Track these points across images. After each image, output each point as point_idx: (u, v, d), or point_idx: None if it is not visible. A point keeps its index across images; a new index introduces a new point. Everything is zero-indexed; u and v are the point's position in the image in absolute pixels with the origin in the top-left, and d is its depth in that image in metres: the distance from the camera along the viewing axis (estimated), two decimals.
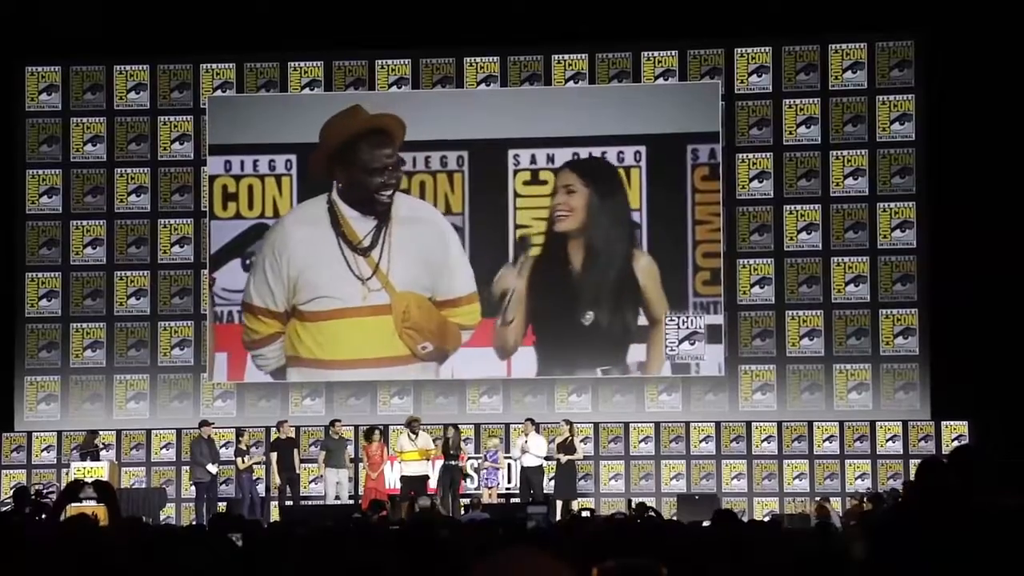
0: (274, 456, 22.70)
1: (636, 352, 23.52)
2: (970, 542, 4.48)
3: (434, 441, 22.67)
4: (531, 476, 22.11)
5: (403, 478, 21.99)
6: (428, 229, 23.82)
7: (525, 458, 22.15)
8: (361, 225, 23.81)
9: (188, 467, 23.14)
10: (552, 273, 23.66)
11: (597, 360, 23.61)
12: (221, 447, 23.25)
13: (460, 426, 22.91)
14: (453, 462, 22.15)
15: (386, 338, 23.58)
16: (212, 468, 22.53)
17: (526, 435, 22.31)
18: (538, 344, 23.62)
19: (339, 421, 22.85)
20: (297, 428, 23.37)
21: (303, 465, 23.13)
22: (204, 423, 22.98)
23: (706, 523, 11.85)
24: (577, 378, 23.77)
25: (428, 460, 22.18)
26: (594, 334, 23.43)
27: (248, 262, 24.04)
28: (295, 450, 22.84)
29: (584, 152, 23.80)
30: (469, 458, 22.95)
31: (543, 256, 23.73)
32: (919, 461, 5.19)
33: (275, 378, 23.92)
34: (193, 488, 22.86)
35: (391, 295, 23.59)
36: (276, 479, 22.66)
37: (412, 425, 22.23)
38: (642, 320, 23.49)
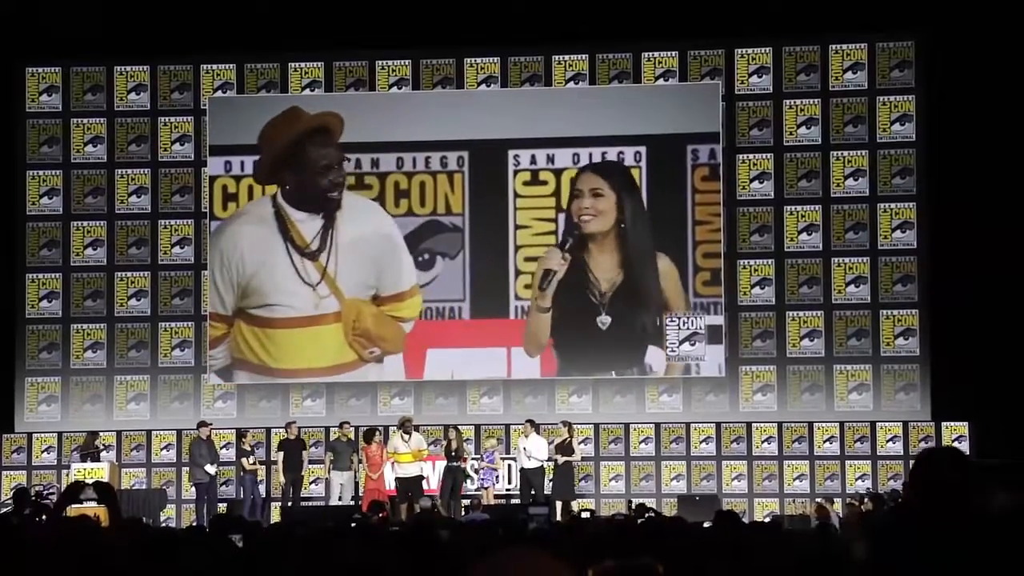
0: (280, 456, 22.68)
1: (653, 354, 23.48)
2: (971, 543, 4.47)
3: (433, 443, 22.64)
4: (532, 477, 22.09)
5: (398, 479, 21.98)
6: (371, 225, 23.81)
7: (526, 460, 22.13)
8: (308, 227, 23.82)
9: (188, 468, 23.10)
10: (569, 276, 23.59)
11: (614, 363, 23.57)
12: (221, 448, 23.23)
13: (460, 427, 22.88)
14: (455, 463, 22.12)
15: (336, 345, 23.60)
16: (211, 469, 22.49)
17: (526, 436, 22.29)
18: (556, 346, 23.59)
19: (347, 423, 22.85)
20: (298, 429, 23.31)
21: (307, 466, 23.07)
22: (202, 424, 22.96)
23: (707, 524, 11.85)
24: (578, 379, 23.74)
25: (422, 461, 22.15)
26: (611, 337, 23.38)
27: None
28: (303, 451, 22.80)
29: (584, 153, 23.78)
30: (471, 459, 22.93)
31: (582, 256, 23.67)
32: (916, 454, 5.18)
33: (222, 378, 23.94)
34: (193, 489, 22.85)
35: (340, 302, 23.61)
36: (280, 478, 22.65)
37: (405, 425, 22.21)
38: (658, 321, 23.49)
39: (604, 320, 23.37)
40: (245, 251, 23.86)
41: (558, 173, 23.84)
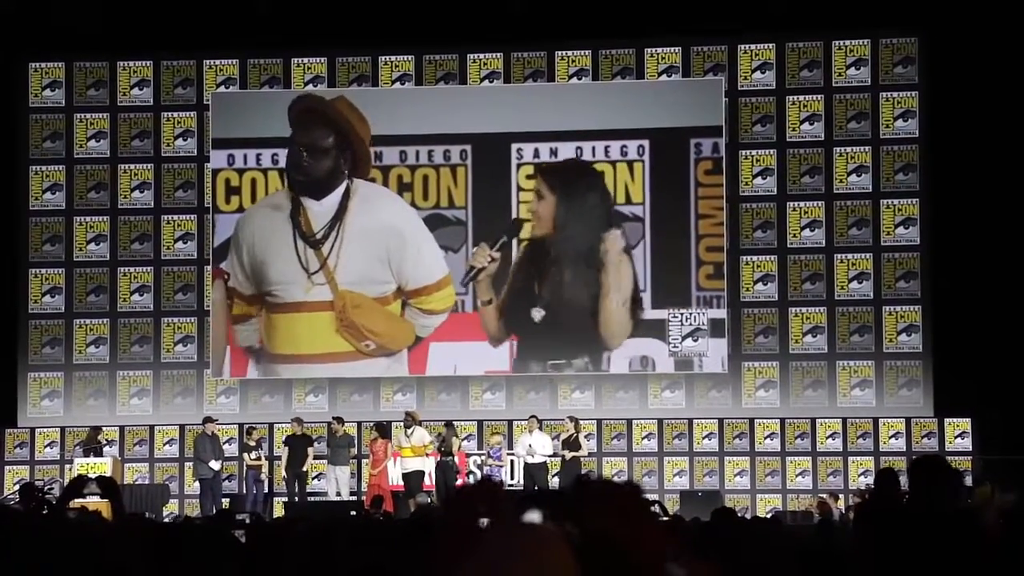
0: (285, 452, 22.69)
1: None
2: (950, 541, 4.49)
3: (432, 437, 22.64)
4: (535, 473, 22.08)
5: (404, 474, 22.03)
6: (386, 216, 23.71)
7: (528, 456, 22.10)
8: (319, 215, 23.80)
9: (192, 463, 23.12)
10: (526, 271, 23.64)
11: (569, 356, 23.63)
12: (224, 443, 23.22)
13: (463, 423, 22.88)
14: (447, 458, 22.10)
15: (327, 334, 23.56)
16: (215, 464, 22.52)
17: (530, 433, 22.27)
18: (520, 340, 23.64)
19: (336, 419, 22.83)
20: (302, 425, 23.31)
21: (312, 461, 23.04)
22: (208, 419, 22.98)
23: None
24: (580, 375, 23.74)
25: (424, 456, 22.11)
26: (553, 331, 23.39)
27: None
28: (308, 447, 22.77)
29: (587, 146, 23.73)
30: (470, 455, 22.92)
31: (526, 255, 23.69)
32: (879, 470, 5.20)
33: (250, 356, 23.86)
34: (196, 484, 22.88)
35: (333, 292, 23.60)
36: (281, 474, 22.68)
37: (406, 420, 22.22)
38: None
39: (537, 313, 23.34)
40: (256, 237, 23.85)
41: (537, 176, 23.83)
